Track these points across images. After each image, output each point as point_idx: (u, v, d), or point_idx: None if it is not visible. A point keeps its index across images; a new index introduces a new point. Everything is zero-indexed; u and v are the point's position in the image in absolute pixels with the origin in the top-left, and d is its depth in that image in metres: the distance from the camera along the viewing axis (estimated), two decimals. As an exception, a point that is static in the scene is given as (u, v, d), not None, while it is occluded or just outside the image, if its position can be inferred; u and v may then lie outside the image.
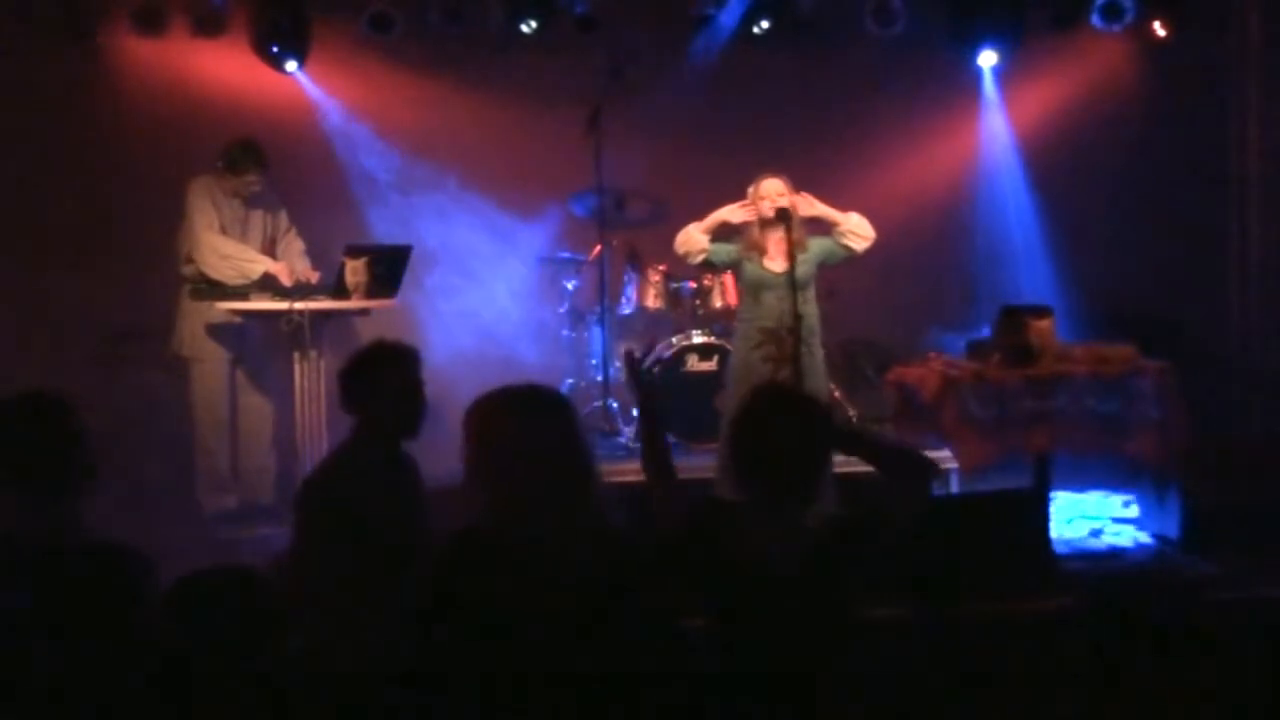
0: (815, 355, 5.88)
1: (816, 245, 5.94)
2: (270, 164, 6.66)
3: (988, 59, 8.18)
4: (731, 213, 5.93)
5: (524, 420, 3.09)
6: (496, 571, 2.89)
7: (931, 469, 3.45)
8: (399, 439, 4.07)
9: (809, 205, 5.90)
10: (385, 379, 4.02)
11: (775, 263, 5.90)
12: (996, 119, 8.40)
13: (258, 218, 6.75)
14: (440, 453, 4.23)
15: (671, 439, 6.87)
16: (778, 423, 3.17)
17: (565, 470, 2.99)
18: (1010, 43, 8.20)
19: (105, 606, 2.72)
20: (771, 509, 3.13)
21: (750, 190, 5.95)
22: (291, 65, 7.58)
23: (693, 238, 5.95)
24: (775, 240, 5.91)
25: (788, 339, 5.74)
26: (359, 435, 4.05)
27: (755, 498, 3.16)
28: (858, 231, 5.90)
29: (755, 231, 5.92)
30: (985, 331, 6.34)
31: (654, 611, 2.98)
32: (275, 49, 7.54)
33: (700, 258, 6.02)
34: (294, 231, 6.86)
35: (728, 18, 7.88)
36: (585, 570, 2.89)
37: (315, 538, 3.98)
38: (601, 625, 2.85)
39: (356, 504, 3.87)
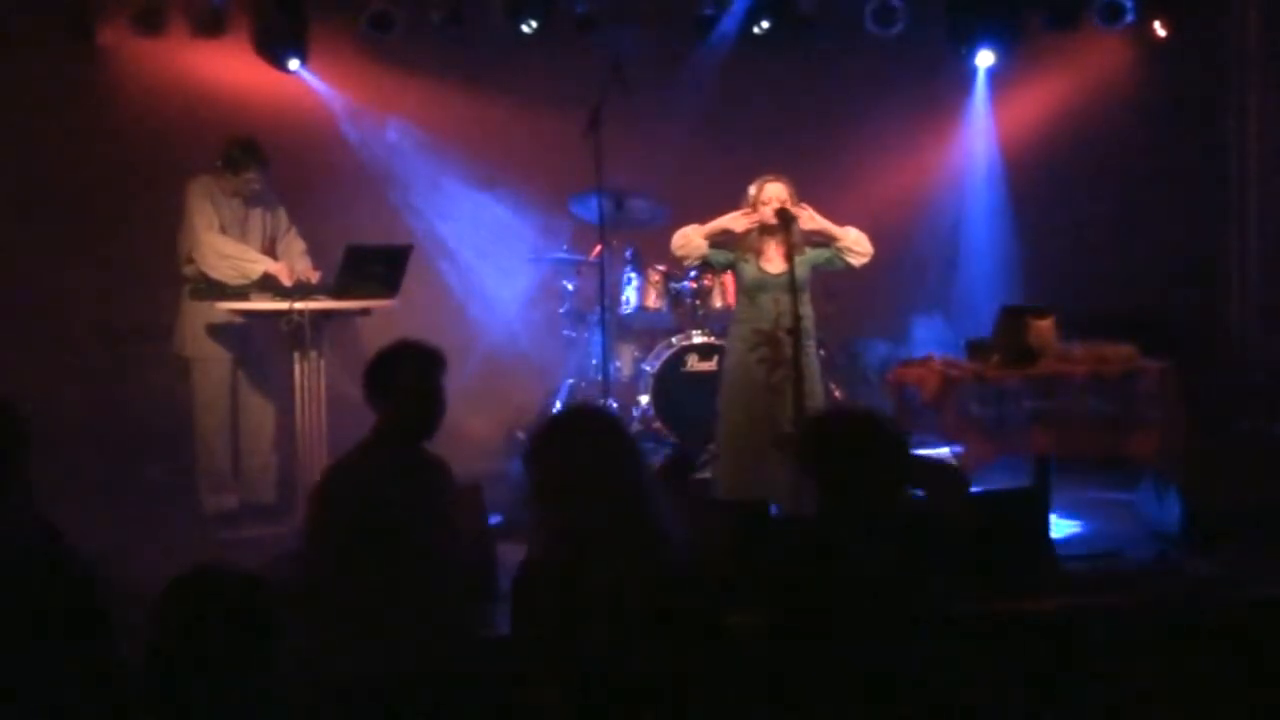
0: (811, 356, 5.88)
1: (812, 250, 5.95)
2: (269, 162, 6.67)
3: (984, 59, 8.19)
4: (735, 221, 5.91)
5: (583, 445, 3.17)
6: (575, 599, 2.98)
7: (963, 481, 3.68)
8: (415, 440, 4.06)
9: (809, 219, 5.89)
10: (399, 379, 4.02)
11: (772, 264, 5.90)
12: (992, 119, 8.40)
13: (257, 216, 6.75)
14: (443, 451, 4.24)
15: (672, 438, 6.98)
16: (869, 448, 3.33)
17: (627, 489, 3.07)
18: (1010, 43, 8.21)
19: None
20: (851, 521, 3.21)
21: (752, 191, 5.93)
22: (294, 63, 7.58)
23: (693, 241, 5.94)
24: (773, 242, 5.91)
25: (784, 341, 5.74)
26: (375, 434, 4.05)
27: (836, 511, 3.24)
28: (855, 248, 5.89)
29: (753, 234, 5.93)
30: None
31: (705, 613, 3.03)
32: (276, 48, 7.55)
33: (698, 261, 6.04)
34: (294, 231, 6.86)
35: (729, 22, 7.88)
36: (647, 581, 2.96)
37: (321, 534, 3.98)
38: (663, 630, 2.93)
39: (365, 502, 3.87)
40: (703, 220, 5.98)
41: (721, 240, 5.99)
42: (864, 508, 3.27)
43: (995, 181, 8.40)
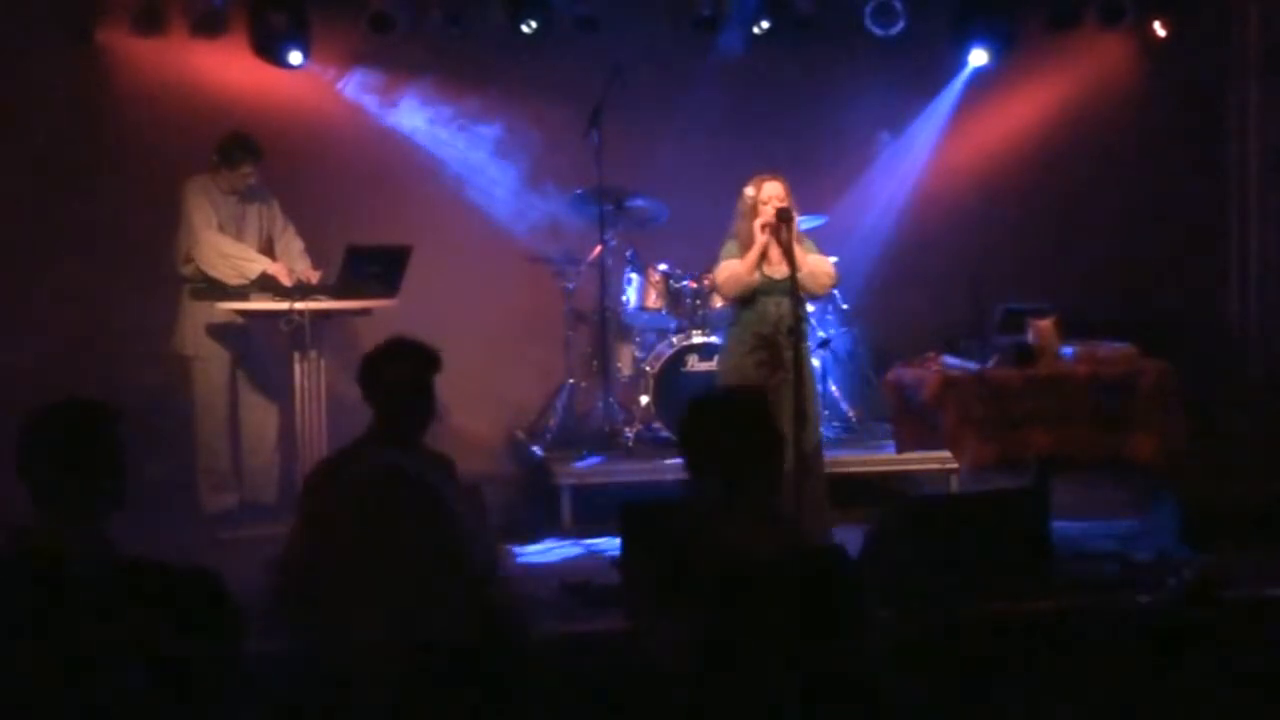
0: (806, 358, 5.87)
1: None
2: (263, 155, 6.68)
3: (978, 58, 8.17)
4: (761, 235, 5.82)
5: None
6: None
7: None
8: (408, 437, 4.05)
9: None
10: (385, 376, 4.02)
11: (774, 268, 5.88)
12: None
13: (254, 213, 6.76)
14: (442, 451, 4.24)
15: (672, 439, 6.97)
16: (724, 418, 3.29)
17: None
18: (1010, 42, 8.21)
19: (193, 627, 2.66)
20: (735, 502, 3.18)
21: (751, 192, 5.90)
22: (297, 58, 7.56)
23: (745, 276, 5.83)
24: (774, 245, 5.88)
25: (784, 344, 5.74)
26: (369, 430, 4.06)
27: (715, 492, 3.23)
28: (807, 283, 5.77)
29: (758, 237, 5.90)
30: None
31: None
32: (275, 47, 7.55)
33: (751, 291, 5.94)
34: (292, 230, 6.87)
35: (736, 23, 7.88)
36: None
37: (306, 529, 3.98)
38: None
39: (350, 499, 3.85)
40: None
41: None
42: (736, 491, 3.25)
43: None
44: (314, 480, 4.14)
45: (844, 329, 7.63)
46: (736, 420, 3.32)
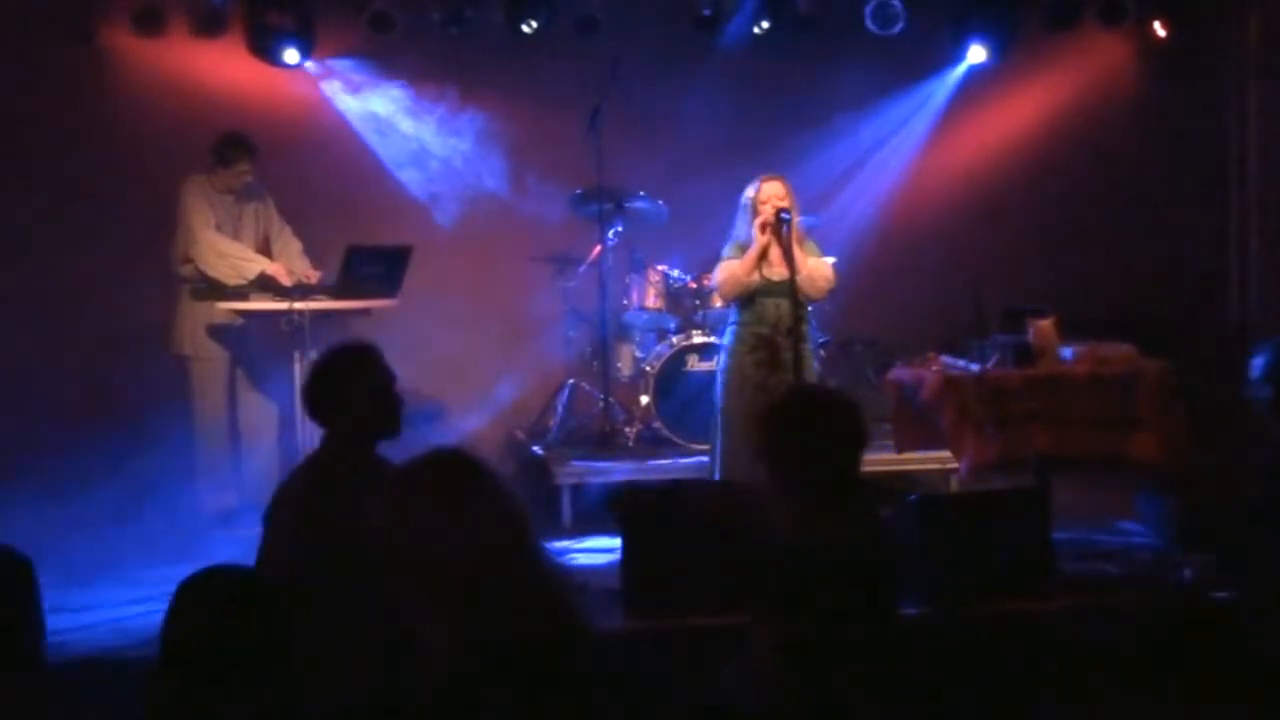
0: (806, 358, 5.88)
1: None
2: (258, 152, 6.68)
3: (976, 55, 8.18)
4: (760, 236, 5.84)
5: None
6: None
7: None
8: (375, 442, 3.91)
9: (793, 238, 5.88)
10: (354, 386, 3.80)
11: (774, 269, 5.88)
12: (993, 119, 8.40)
13: (250, 213, 6.76)
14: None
15: (671, 438, 6.98)
16: (820, 421, 3.30)
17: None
18: (1010, 42, 8.22)
19: None
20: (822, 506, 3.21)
21: (750, 194, 5.91)
22: (294, 56, 7.56)
23: (744, 279, 5.85)
24: (774, 246, 5.87)
25: (784, 344, 5.73)
26: (332, 442, 3.86)
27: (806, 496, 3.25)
28: (805, 286, 5.80)
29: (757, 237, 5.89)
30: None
31: None
32: (273, 45, 7.55)
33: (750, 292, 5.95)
34: (289, 231, 6.86)
35: (739, 23, 7.88)
36: None
37: (281, 547, 3.80)
38: None
39: (327, 513, 3.64)
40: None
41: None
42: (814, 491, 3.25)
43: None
44: (292, 490, 3.95)
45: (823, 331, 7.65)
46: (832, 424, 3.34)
